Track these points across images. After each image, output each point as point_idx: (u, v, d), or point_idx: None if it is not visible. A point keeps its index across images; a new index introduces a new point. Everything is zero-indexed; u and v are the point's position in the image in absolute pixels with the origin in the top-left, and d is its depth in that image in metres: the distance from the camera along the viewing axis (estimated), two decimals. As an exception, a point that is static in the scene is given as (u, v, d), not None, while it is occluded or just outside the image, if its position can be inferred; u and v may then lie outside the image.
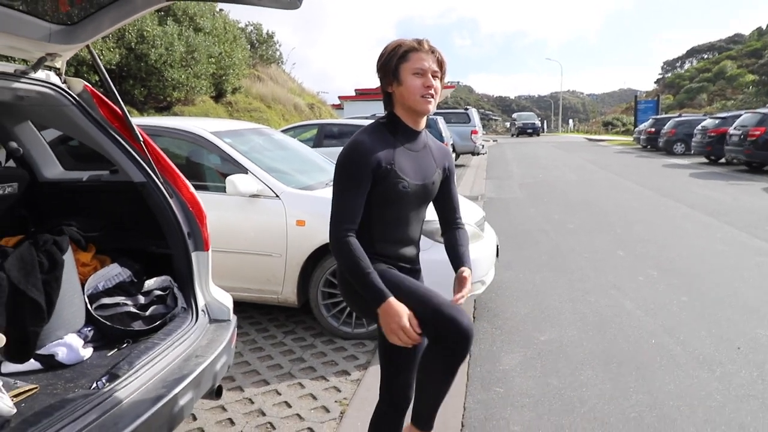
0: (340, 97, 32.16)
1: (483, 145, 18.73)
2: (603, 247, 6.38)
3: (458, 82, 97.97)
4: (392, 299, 1.61)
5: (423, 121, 1.82)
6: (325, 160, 5.03)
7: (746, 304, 4.38)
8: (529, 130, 42.90)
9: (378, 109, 18.83)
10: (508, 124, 73.88)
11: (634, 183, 12.62)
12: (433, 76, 1.73)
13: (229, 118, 14.56)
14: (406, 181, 1.74)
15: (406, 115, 1.78)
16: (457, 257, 1.89)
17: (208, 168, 4.20)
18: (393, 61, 1.72)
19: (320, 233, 3.66)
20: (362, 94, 32.71)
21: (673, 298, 4.59)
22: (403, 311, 1.60)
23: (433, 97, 1.74)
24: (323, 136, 8.98)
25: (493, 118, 76.29)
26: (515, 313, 4.33)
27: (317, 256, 3.73)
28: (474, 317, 4.28)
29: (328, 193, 3.94)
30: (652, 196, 10.50)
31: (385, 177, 1.70)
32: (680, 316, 4.16)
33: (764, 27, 59.77)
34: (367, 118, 12.68)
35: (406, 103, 1.74)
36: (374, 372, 3.27)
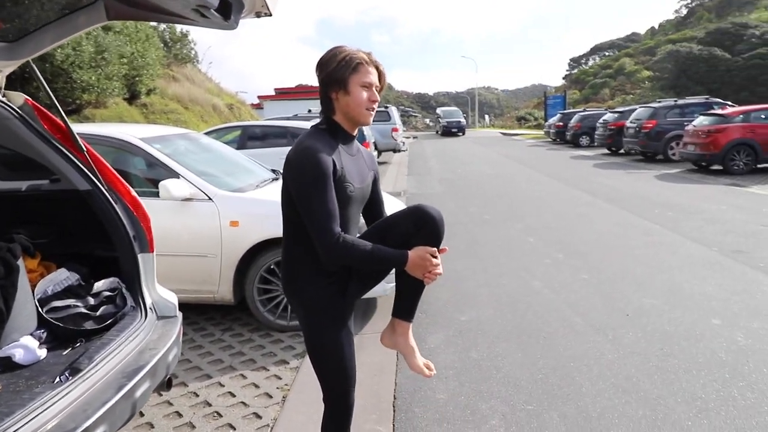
0: (259, 97, 31.81)
1: (404, 143, 19.29)
2: (515, 236, 6.96)
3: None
4: (410, 252, 1.77)
5: (357, 128, 1.93)
6: (251, 162, 5.21)
7: (635, 278, 5.02)
8: (455, 130, 37.12)
9: (298, 108, 18.87)
10: (428, 121, 75.56)
11: (545, 175, 13.56)
12: (376, 90, 1.84)
13: (145, 121, 14.19)
14: (352, 185, 1.81)
15: (346, 122, 1.84)
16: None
17: (135, 174, 4.27)
18: (344, 72, 1.77)
19: (254, 233, 3.86)
20: (282, 94, 32.55)
21: (575, 277, 5.17)
22: (424, 252, 1.78)
23: (373, 110, 1.85)
24: (247, 138, 9.04)
25: (413, 114, 77.59)
26: (438, 298, 4.72)
27: (251, 254, 3.93)
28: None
29: (259, 194, 4.17)
30: (560, 186, 11.38)
31: (336, 181, 1.73)
32: (580, 292, 4.72)
33: (656, 27, 64.95)
34: (289, 118, 12.78)
35: (350, 113, 1.81)
36: (311, 359, 3.54)
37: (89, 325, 2.31)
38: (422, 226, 1.84)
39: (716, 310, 4.17)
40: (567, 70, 73.23)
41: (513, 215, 8.34)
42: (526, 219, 8.01)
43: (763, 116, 12.53)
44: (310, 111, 15.08)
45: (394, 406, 3.00)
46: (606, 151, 19.87)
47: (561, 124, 25.44)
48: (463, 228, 7.51)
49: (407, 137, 22.51)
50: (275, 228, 3.86)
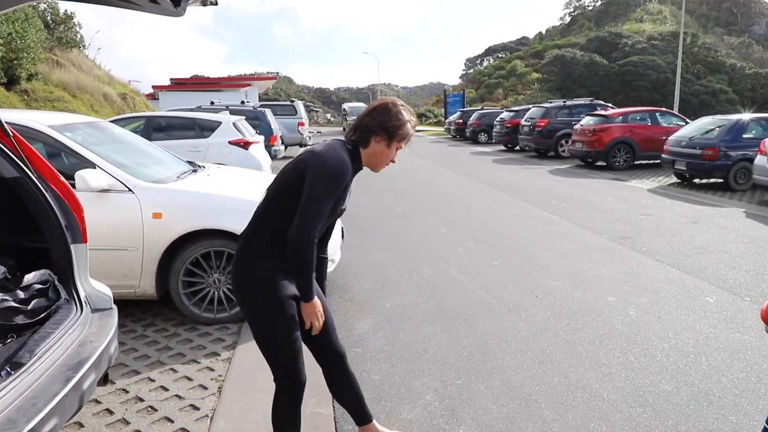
0: (154, 87, 30.13)
1: (310, 137, 19.22)
2: (429, 226, 7.27)
3: (278, 73, 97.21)
4: (315, 298, 2.03)
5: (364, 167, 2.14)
6: (167, 153, 5.04)
7: (540, 263, 5.47)
8: None
9: (195, 100, 18.13)
10: (329, 116, 75.38)
11: (449, 169, 14.16)
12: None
13: (27, 109, 13.00)
14: (344, 205, 2.06)
15: (366, 159, 2.07)
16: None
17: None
18: (400, 133, 2.03)
19: (178, 225, 3.78)
20: (179, 84, 31.07)
21: (487, 263, 5.53)
22: (319, 304, 2.07)
23: (387, 165, 2.13)
24: (151, 130, 8.63)
25: (315, 109, 77.01)
26: (362, 287, 4.87)
27: (175, 247, 3.84)
28: (326, 293, 4.72)
29: (182, 185, 4.07)
30: (465, 180, 11.96)
31: (338, 198, 1.95)
32: (493, 277, 5.07)
33: (544, 32, 69.39)
34: (192, 109, 12.31)
35: (374, 159, 2.07)
36: (243, 350, 3.54)
37: (20, 319, 2.19)
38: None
39: (611, 289, 4.68)
40: (463, 70, 76.22)
41: (424, 208, 8.67)
42: (437, 211, 8.37)
43: (638, 117, 13.96)
44: (212, 103, 14.57)
45: (332, 389, 3.10)
46: (503, 147, 21.06)
47: (461, 121, 26.55)
48: (380, 221, 7.71)
49: (311, 132, 22.39)
50: (201, 219, 3.82)
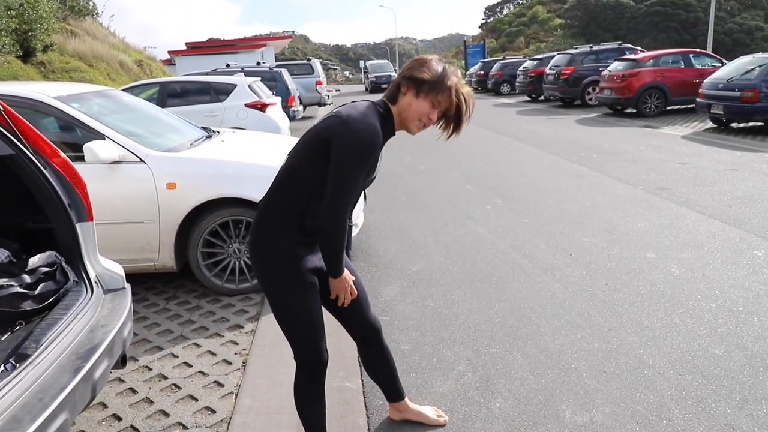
0: (170, 52, 29.84)
1: (329, 96, 18.85)
2: (453, 184, 7.02)
3: (294, 32, 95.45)
4: (346, 270, 1.94)
5: (399, 130, 1.93)
6: (178, 120, 4.86)
7: (572, 219, 5.22)
8: (385, 85, 30.00)
9: (212, 64, 17.81)
10: (347, 74, 74.31)
11: (472, 123, 13.55)
12: (438, 116, 1.87)
13: (44, 81, 12.92)
14: (374, 177, 1.91)
15: (398, 119, 1.87)
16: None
17: (51, 139, 3.86)
18: (431, 81, 1.81)
19: (194, 195, 3.63)
20: (195, 48, 30.68)
21: (516, 220, 5.30)
22: (350, 277, 1.98)
23: (424, 127, 1.89)
24: (166, 96, 8.45)
25: (332, 67, 75.96)
26: (387, 250, 4.70)
27: (192, 217, 3.71)
28: (351, 258, 4.57)
29: (195, 153, 3.90)
30: (489, 134, 11.58)
31: (368, 169, 1.79)
32: (523, 235, 4.85)
33: (566, -26, 66.31)
34: (207, 73, 12.05)
35: (404, 115, 1.85)
36: (267, 321, 3.43)
37: (28, 305, 2.07)
38: None
39: (650, 245, 4.42)
40: (483, 19, 73.86)
41: (447, 164, 8.40)
42: (462, 167, 8.09)
43: (671, 60, 13.24)
44: (227, 66, 14.27)
45: (359, 362, 2.97)
46: (527, 98, 20.37)
47: (482, 72, 25.72)
48: (401, 179, 7.48)
49: (330, 90, 21.94)
50: (217, 188, 3.67)
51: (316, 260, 1.91)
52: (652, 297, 3.50)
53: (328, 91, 19.90)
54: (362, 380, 2.78)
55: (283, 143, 4.71)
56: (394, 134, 1.92)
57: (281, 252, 1.84)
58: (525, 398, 2.55)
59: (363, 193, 4.73)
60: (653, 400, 2.47)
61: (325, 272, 1.93)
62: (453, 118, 1.90)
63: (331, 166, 1.73)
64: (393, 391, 2.35)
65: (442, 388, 2.67)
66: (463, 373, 2.78)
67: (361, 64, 55.14)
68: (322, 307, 1.99)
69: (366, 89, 34.28)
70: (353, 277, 2.04)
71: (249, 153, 4.15)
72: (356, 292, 2.01)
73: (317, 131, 1.81)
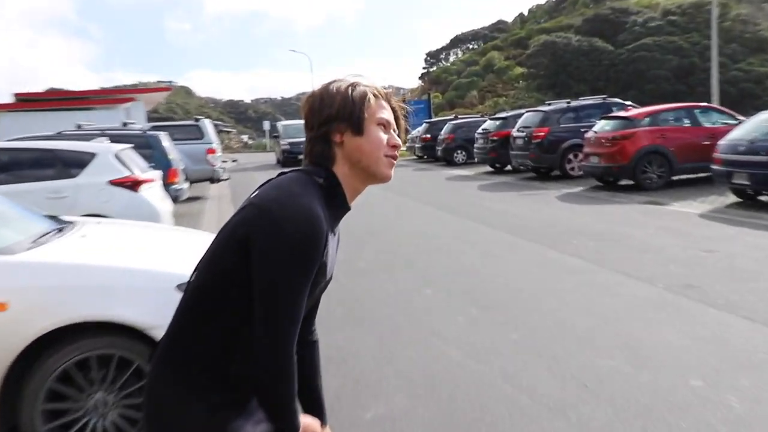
0: (-8, 108, 29.18)
1: (224, 168, 18.79)
2: (407, 287, 6.93)
3: (172, 82, 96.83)
4: (307, 418, 1.86)
5: (360, 193, 1.85)
6: (12, 205, 4.58)
7: (578, 333, 5.18)
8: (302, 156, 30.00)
9: (53, 122, 17.44)
10: (245, 138, 75.29)
11: (422, 203, 13.98)
12: (394, 133, 1.80)
13: None
14: (329, 275, 1.77)
15: (352, 178, 1.78)
16: (315, 402, 2.06)
17: None
18: (355, 105, 1.73)
19: (37, 319, 3.35)
20: (27, 101, 30.25)
21: (502, 338, 5.20)
22: (316, 423, 1.91)
23: (394, 160, 1.79)
24: (-12, 170, 8.05)
25: (226, 129, 76.71)
26: (327, 386, 4.41)
27: (31, 355, 3.37)
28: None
29: (38, 255, 3.65)
30: (446, 217, 11.77)
31: (318, 271, 1.68)
32: (516, 359, 4.73)
33: (525, 13, 72.10)
34: (51, 137, 11.72)
35: (363, 162, 1.75)
36: None
37: None
38: None
39: (692, 367, 4.41)
40: (424, 67, 78.14)
41: (396, 259, 8.36)
42: (416, 263, 8.06)
43: (672, 117, 14.23)
44: (79, 126, 13.98)
45: None
46: (489, 168, 21.20)
47: (428, 136, 26.77)
48: (335, 283, 7.21)
49: (225, 160, 21.87)
50: (74, 308, 3.43)
51: (256, 427, 1.71)
52: (709, 444, 3.41)
53: (223, 161, 19.86)
54: None
55: (176, 239, 4.51)
56: (347, 209, 1.81)
57: (197, 426, 1.65)
58: None
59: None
60: None
61: None
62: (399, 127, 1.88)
63: (258, 280, 1.60)
64: None
65: None
66: None
67: (266, 125, 55.72)
68: None
69: (278, 161, 33.40)
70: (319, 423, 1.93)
71: (123, 253, 4.00)
72: None
73: (231, 229, 1.69)
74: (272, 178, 1.77)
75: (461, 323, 5.64)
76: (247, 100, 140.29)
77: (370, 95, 1.77)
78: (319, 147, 1.77)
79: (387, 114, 1.80)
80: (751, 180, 10.65)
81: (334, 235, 1.79)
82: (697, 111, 14.55)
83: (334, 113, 1.74)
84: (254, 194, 1.74)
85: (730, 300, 5.79)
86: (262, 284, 1.60)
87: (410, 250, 8.93)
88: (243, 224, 1.65)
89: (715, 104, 19.55)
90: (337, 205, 1.76)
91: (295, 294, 1.61)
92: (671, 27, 45.67)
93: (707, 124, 14.09)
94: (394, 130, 1.83)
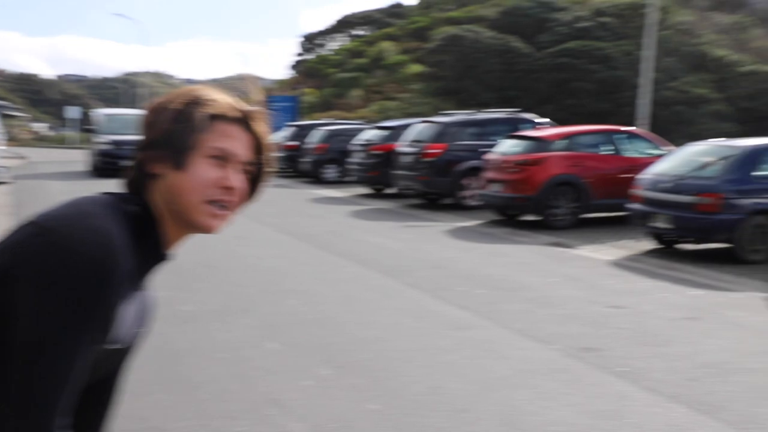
0: None
1: (6, 167, 18.09)
2: (243, 339, 6.93)
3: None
4: None
5: (181, 240, 1.77)
6: None
7: (453, 404, 5.36)
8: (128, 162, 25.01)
9: None
10: (44, 126, 72.74)
11: (275, 230, 13.98)
12: (241, 168, 1.70)
13: None
14: (122, 346, 1.67)
15: (168, 222, 1.70)
16: None
17: None
18: (183, 130, 1.64)
19: None
20: None
21: (357, 407, 5.31)
22: None
23: (228, 207, 1.70)
24: None
25: (13, 114, 73.23)
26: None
27: None
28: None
29: None
30: (304, 249, 11.87)
31: (104, 326, 1.56)
32: (372, 435, 4.86)
33: (429, -3, 73.36)
34: None
35: (178, 205, 1.68)
36: None
37: None
38: None
39: (582, 448, 4.67)
40: (299, 54, 77.73)
41: (234, 303, 8.35)
42: (258, 309, 8.09)
43: (591, 142, 14.96)
44: None
45: None
46: (367, 190, 21.43)
47: (294, 144, 26.72)
48: (152, 331, 7.21)
49: (7, 156, 20.85)
50: None
51: None
52: None
53: (4, 157, 19.09)
54: None
55: None
56: (163, 258, 1.75)
57: None
58: None
59: None
60: None
61: None
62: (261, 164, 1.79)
63: (19, 328, 1.50)
64: None
65: None
66: None
67: (71, 112, 53.17)
68: None
69: (93, 168, 28.69)
70: None
71: None
72: None
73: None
74: (71, 200, 1.66)
75: (309, 388, 5.70)
76: (49, 75, 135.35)
77: (211, 116, 1.69)
78: (137, 174, 1.72)
79: (231, 144, 1.70)
80: (673, 222, 11.23)
81: (137, 291, 1.70)
82: (620, 136, 15.35)
83: (156, 137, 1.69)
84: (39, 213, 1.62)
85: (635, 368, 6.16)
86: (24, 334, 1.49)
87: (253, 290, 8.95)
88: (11, 250, 1.55)
89: (642, 129, 20.64)
90: (149, 248, 1.69)
91: (63, 346, 1.51)
92: (601, 31, 47.33)
93: (630, 153, 14.89)
94: (244, 165, 1.73)
